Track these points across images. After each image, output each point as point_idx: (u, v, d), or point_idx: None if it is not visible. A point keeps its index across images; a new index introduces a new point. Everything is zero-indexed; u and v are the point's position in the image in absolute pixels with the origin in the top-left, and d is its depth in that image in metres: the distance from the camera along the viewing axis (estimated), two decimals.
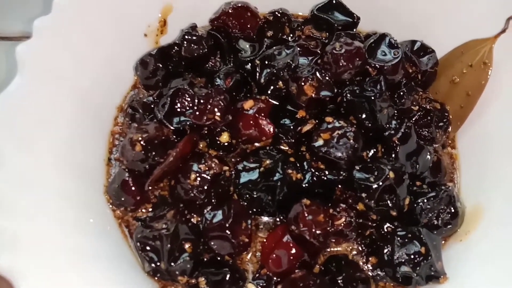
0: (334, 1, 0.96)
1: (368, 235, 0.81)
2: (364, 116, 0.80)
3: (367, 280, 0.77)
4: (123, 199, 0.83)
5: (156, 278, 0.79)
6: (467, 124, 0.89)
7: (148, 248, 0.74)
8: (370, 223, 0.80)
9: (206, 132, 0.86)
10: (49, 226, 0.74)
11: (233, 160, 0.87)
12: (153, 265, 0.74)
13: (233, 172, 0.83)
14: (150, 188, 0.81)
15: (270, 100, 0.88)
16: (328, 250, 0.82)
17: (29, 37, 0.81)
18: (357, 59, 0.82)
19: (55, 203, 0.77)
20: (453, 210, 0.79)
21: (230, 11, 0.97)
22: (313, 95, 0.82)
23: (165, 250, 0.73)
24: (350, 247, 0.82)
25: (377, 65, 0.84)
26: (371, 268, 0.80)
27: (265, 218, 0.83)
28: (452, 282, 0.76)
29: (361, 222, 0.80)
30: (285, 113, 0.87)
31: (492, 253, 0.75)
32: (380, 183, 0.74)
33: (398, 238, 0.76)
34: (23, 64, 0.78)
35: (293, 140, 0.85)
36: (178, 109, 0.83)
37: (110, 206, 0.86)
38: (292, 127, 0.86)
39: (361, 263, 0.80)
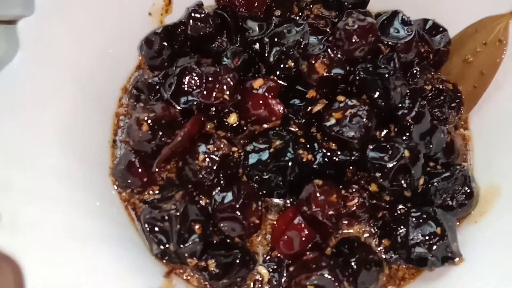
0: None
1: (380, 217, 0.79)
2: (377, 94, 0.78)
3: (380, 262, 0.76)
4: (129, 181, 0.81)
5: (164, 261, 0.77)
6: (480, 104, 0.87)
7: (156, 229, 0.72)
8: (383, 204, 0.78)
9: (213, 113, 0.83)
10: (53, 208, 0.72)
11: (241, 142, 0.85)
12: (161, 247, 0.72)
13: (242, 153, 0.81)
14: (157, 169, 0.79)
15: (278, 80, 0.86)
16: (340, 232, 0.80)
17: None
18: (370, 35, 0.79)
19: (59, 184, 0.75)
20: (468, 191, 0.77)
21: None
22: (325, 73, 0.80)
23: (174, 231, 0.71)
24: (363, 229, 0.80)
25: (390, 43, 0.81)
26: (383, 250, 0.78)
27: (275, 200, 0.81)
28: (467, 264, 0.74)
29: (374, 203, 0.78)
30: (295, 93, 0.85)
31: (508, 235, 0.73)
32: (395, 162, 0.73)
33: (413, 219, 0.74)
34: (24, 41, 0.75)
35: (303, 121, 0.83)
36: (186, 88, 0.80)
37: (116, 188, 0.84)
38: (302, 108, 0.84)
39: (374, 246, 0.79)
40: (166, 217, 0.72)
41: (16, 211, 0.64)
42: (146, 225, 0.73)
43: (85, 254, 0.71)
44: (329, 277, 0.68)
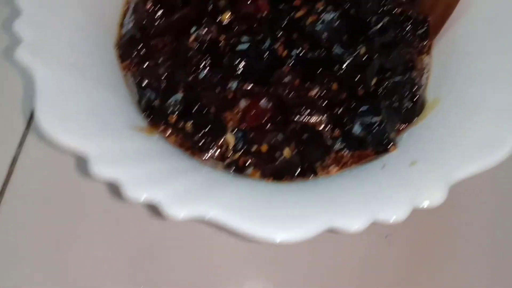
0: None
1: (336, 111, 0.92)
2: (348, 5, 0.90)
3: (328, 147, 0.89)
4: (130, 52, 0.95)
5: (149, 119, 0.91)
6: (442, 34, 0.98)
7: (144, 85, 0.87)
8: (339, 99, 0.91)
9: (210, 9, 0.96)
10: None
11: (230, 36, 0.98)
12: (147, 101, 0.87)
13: (230, 42, 0.94)
14: (153, 42, 0.93)
15: None
16: (300, 120, 0.93)
17: None
18: None
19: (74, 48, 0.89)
20: (414, 97, 0.90)
21: None
22: None
23: (161, 89, 0.86)
24: (320, 118, 0.93)
25: None
26: (335, 138, 0.92)
27: (251, 86, 0.95)
28: (404, 157, 0.87)
29: (332, 97, 0.91)
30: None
31: (442, 136, 0.85)
32: (352, 58, 0.86)
33: (360, 111, 0.87)
34: None
35: (286, 23, 0.96)
36: None
37: (119, 59, 0.97)
38: (287, 11, 0.96)
39: (327, 133, 0.92)
40: (155, 75, 0.86)
41: (38, 37, 0.78)
42: (138, 81, 0.87)
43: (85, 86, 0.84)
44: (282, 137, 0.83)
